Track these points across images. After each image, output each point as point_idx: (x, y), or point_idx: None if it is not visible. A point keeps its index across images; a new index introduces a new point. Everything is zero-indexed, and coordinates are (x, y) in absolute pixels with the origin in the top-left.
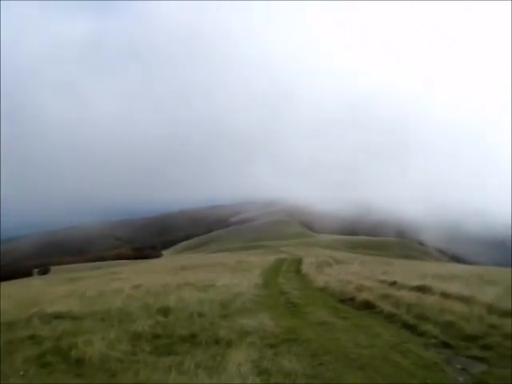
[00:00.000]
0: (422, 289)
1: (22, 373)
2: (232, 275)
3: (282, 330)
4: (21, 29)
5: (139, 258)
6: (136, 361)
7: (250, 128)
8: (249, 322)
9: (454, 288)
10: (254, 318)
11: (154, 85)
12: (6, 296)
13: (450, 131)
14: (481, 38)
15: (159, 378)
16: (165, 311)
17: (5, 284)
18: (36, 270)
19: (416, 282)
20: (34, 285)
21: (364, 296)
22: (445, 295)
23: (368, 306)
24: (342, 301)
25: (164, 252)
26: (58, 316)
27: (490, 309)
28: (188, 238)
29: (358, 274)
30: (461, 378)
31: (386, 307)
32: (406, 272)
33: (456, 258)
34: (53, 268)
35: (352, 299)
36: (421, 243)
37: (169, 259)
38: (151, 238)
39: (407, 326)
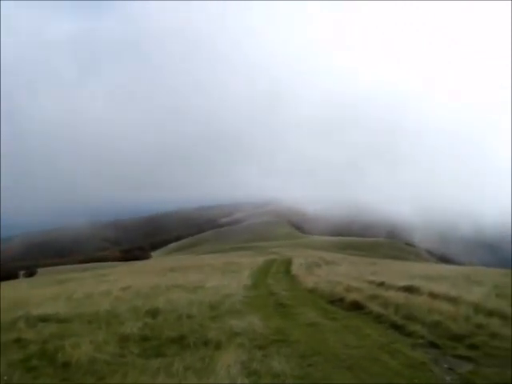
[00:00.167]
0: (410, 289)
1: (6, 378)
2: (221, 276)
3: (271, 331)
4: (8, 29)
5: (128, 260)
6: (124, 363)
7: (242, 128)
8: (238, 324)
9: (441, 288)
10: (243, 319)
11: (147, 84)
12: None
13: (447, 131)
14: (481, 38)
15: (147, 381)
16: (153, 313)
17: None
18: (22, 272)
19: (404, 283)
20: (19, 287)
21: (353, 297)
22: (432, 295)
23: (357, 306)
24: (331, 302)
25: (153, 253)
26: (45, 319)
27: (477, 308)
28: (178, 239)
29: (347, 274)
30: (448, 378)
31: (375, 308)
32: (395, 272)
33: (444, 259)
34: (39, 270)
35: (341, 300)
36: (409, 244)
37: (158, 260)
38: (141, 239)
39: (395, 327)
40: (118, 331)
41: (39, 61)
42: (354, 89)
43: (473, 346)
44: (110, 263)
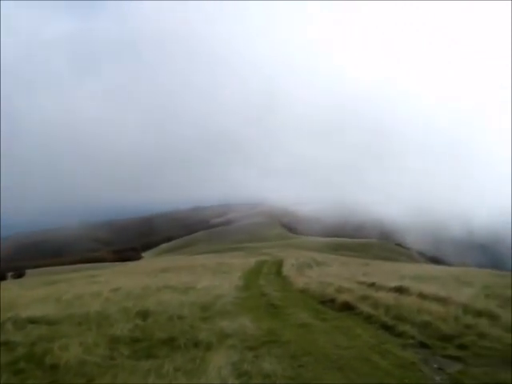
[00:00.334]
0: (400, 290)
1: None
2: (213, 277)
3: (262, 332)
4: (7, 29)
5: (119, 261)
6: (114, 365)
7: (237, 129)
8: (229, 325)
9: (431, 289)
10: (234, 320)
11: (143, 85)
12: None
13: (445, 132)
14: (481, 38)
15: (138, 382)
16: (144, 314)
17: None
18: (10, 274)
19: (395, 283)
20: (7, 289)
21: (344, 297)
22: (422, 296)
23: (348, 307)
24: (322, 302)
25: (145, 254)
26: (33, 321)
27: (466, 309)
28: (169, 239)
29: (338, 275)
30: (437, 378)
31: (366, 308)
32: (385, 273)
33: (435, 260)
34: (29, 271)
35: (332, 301)
36: (400, 245)
37: (149, 261)
38: (132, 239)
39: (386, 327)
40: (108, 333)
41: (38, 61)
42: (353, 89)
43: (462, 346)
44: (100, 264)
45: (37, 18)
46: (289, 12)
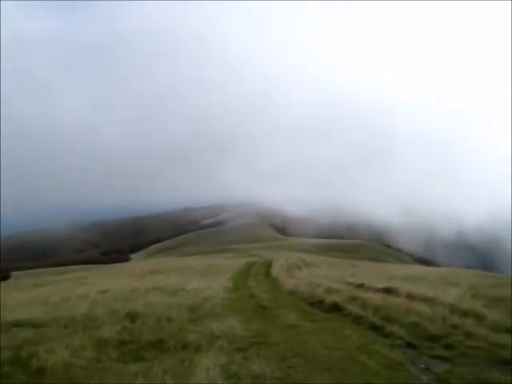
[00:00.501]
0: (388, 290)
1: None
2: (201, 279)
3: (251, 333)
4: (6, 29)
5: (107, 262)
6: (101, 368)
7: (226, 129)
8: (218, 326)
9: (419, 289)
10: (223, 321)
11: (129, 84)
12: None
13: (442, 133)
14: (481, 38)
15: None
16: (132, 316)
17: None
18: None
19: (383, 284)
20: None
21: (332, 298)
22: (410, 296)
23: (336, 308)
24: (311, 303)
25: (134, 255)
26: (19, 324)
27: (453, 309)
28: (158, 240)
29: (327, 276)
30: (425, 377)
31: (354, 309)
32: (374, 274)
33: (424, 261)
34: (15, 273)
35: (321, 302)
36: (389, 246)
37: (138, 263)
38: (122, 240)
39: (374, 328)
40: (96, 335)
41: (34, 59)
42: (351, 89)
43: (449, 346)
44: (88, 266)
45: (37, 18)
46: (288, 12)
